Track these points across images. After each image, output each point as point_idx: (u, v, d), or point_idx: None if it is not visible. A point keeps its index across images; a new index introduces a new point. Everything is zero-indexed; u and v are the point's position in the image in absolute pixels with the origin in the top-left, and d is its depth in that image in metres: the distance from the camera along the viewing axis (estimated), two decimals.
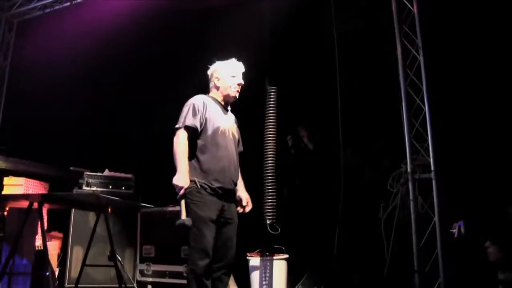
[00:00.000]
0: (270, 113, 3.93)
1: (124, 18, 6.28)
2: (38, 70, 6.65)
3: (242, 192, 3.79)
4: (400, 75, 4.52)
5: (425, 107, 4.42)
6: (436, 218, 4.22)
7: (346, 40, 5.16)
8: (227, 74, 3.76)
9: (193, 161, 3.52)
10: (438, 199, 4.22)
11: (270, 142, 3.87)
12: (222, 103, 3.79)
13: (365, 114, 5.30)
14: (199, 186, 3.46)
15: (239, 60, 3.80)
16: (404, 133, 4.49)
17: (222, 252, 3.56)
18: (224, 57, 3.85)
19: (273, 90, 3.98)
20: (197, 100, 3.65)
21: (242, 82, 3.76)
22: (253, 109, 4.44)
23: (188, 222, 3.32)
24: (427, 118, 4.40)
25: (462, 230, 3.71)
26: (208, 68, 3.87)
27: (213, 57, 3.86)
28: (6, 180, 4.43)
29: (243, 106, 3.82)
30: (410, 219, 4.34)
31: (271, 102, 3.96)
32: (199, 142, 3.57)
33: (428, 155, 4.35)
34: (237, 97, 3.79)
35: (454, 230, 3.78)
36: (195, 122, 3.54)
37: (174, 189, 3.42)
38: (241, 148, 3.91)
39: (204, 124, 3.58)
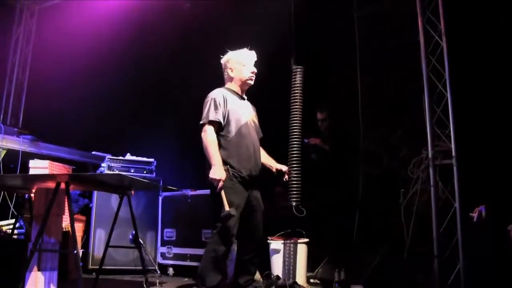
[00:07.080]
0: (296, 92, 3.94)
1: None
2: (59, 55, 6.73)
3: (277, 165, 4.01)
4: (422, 61, 4.50)
5: (447, 94, 4.41)
6: (456, 204, 4.22)
7: (368, 26, 5.17)
8: (240, 64, 3.88)
9: (221, 152, 3.63)
10: (459, 185, 4.23)
11: (295, 124, 3.89)
12: (239, 92, 3.91)
13: (385, 102, 5.30)
14: (231, 174, 3.60)
15: (260, 45, 3.86)
16: (426, 119, 4.48)
17: (252, 237, 3.76)
18: (246, 42, 3.91)
19: (299, 70, 4.00)
20: (216, 94, 3.76)
21: (255, 70, 3.86)
22: (278, 91, 4.47)
23: (233, 212, 3.45)
24: (449, 105, 4.38)
25: (483, 214, 3.72)
26: (220, 59, 3.96)
27: (237, 42, 3.91)
28: (32, 163, 4.49)
29: (268, 89, 3.87)
30: (431, 205, 4.34)
31: (297, 82, 3.97)
32: (224, 134, 3.70)
33: (450, 142, 4.34)
34: (252, 83, 3.88)
35: (474, 214, 3.79)
36: (218, 116, 3.66)
37: (205, 176, 3.56)
38: (260, 134, 4.01)
39: (227, 116, 3.69)
